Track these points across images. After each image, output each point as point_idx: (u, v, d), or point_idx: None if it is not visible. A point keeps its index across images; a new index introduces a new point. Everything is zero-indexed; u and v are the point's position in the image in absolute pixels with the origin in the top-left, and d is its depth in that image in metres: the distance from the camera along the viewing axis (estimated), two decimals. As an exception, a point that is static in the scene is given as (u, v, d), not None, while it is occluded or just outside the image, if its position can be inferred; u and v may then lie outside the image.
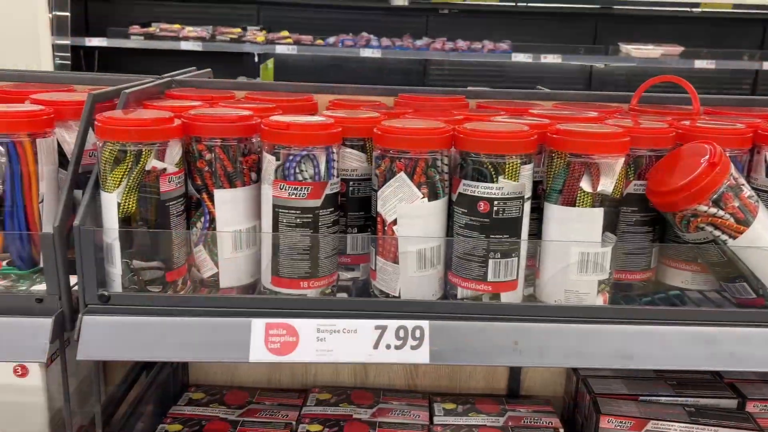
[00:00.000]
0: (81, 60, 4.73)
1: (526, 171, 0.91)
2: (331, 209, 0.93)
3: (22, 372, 1.08)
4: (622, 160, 0.92)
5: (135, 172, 0.89)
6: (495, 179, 0.90)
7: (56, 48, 4.53)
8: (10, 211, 0.94)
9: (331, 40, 4.60)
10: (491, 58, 4.74)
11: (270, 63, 4.76)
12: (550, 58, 4.66)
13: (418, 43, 4.64)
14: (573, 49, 4.73)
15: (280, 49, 4.58)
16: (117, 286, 0.92)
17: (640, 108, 1.20)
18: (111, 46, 4.60)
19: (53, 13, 4.46)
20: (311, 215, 0.92)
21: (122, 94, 1.02)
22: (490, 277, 0.92)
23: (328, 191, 0.92)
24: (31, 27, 4.42)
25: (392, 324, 0.91)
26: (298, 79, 1.42)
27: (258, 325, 0.90)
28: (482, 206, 0.90)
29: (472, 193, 0.91)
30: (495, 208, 0.90)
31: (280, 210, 0.92)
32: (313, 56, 4.78)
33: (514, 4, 4.80)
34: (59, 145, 1.01)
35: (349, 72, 4.89)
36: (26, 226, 0.95)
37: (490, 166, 0.90)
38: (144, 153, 0.89)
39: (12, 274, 0.96)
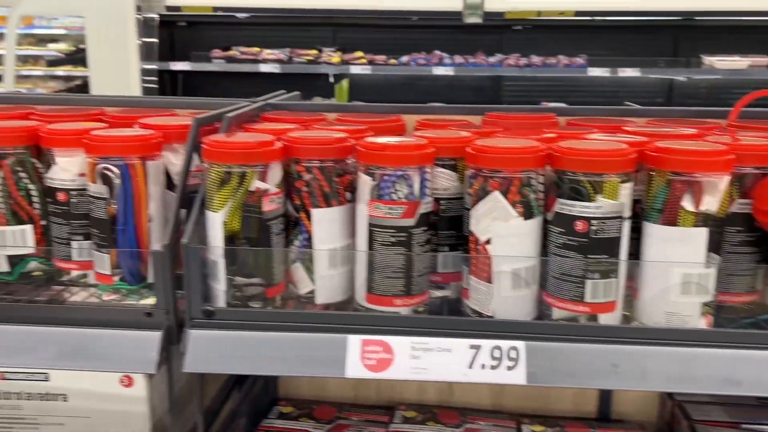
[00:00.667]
0: (166, 83, 4.97)
1: (626, 190, 0.89)
2: (424, 228, 0.95)
3: (128, 382, 1.14)
4: (726, 179, 0.89)
5: (240, 193, 0.93)
6: (593, 198, 0.89)
7: (144, 72, 4.78)
8: (122, 229, 1.00)
9: (404, 59, 4.66)
10: (567, 73, 4.67)
11: (345, 83, 4.85)
12: (629, 72, 4.56)
13: (492, 59, 4.63)
14: (652, 62, 4.61)
15: (354, 69, 4.68)
16: (220, 301, 0.97)
17: (740, 123, 1.16)
18: (194, 69, 4.81)
19: (142, 39, 4.72)
20: (405, 234, 0.93)
21: (225, 119, 1.07)
22: (587, 298, 0.91)
23: (421, 210, 0.94)
24: (122, 53, 4.69)
25: (487, 344, 0.91)
26: (372, 98, 1.44)
27: (354, 341, 0.92)
28: (580, 225, 0.89)
29: (569, 212, 0.90)
30: (593, 228, 0.89)
31: (375, 229, 0.94)
32: (386, 75, 4.84)
33: (590, 18, 4.71)
34: (166, 168, 1.07)
35: (422, 90, 4.92)
36: (136, 243, 1.01)
37: (588, 185, 0.89)
38: (248, 174, 0.93)
39: (122, 288, 1.02)
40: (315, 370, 0.92)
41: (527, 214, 0.92)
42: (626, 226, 0.91)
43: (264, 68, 4.71)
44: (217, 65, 4.76)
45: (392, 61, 4.68)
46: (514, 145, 0.93)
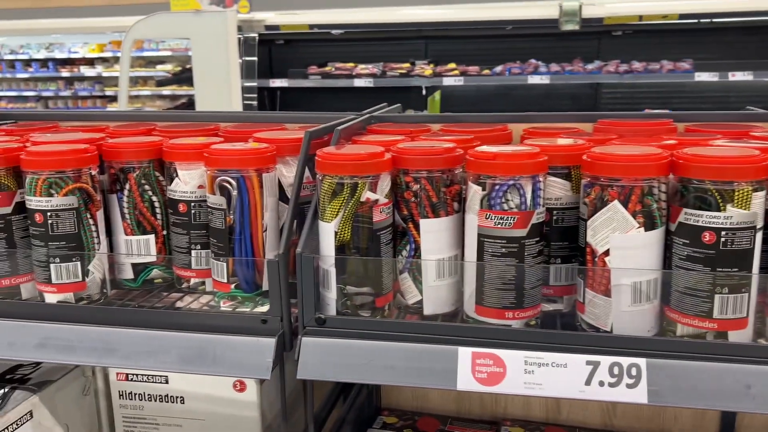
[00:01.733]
0: (265, 100, 5.17)
1: (758, 198, 0.83)
2: (536, 239, 0.92)
3: (241, 387, 1.18)
4: None
5: (351, 204, 0.94)
6: (722, 208, 0.83)
7: (245, 90, 4.98)
8: (239, 238, 1.03)
9: (498, 69, 4.61)
10: (671, 79, 4.46)
11: (437, 95, 4.86)
12: (739, 76, 4.31)
13: (589, 66, 4.50)
14: (765, 65, 4.33)
15: (447, 81, 4.67)
16: (331, 309, 0.98)
17: None
18: (292, 86, 4.97)
19: (243, 58, 4.93)
20: (517, 245, 0.91)
21: (335, 131, 1.09)
22: (716, 314, 0.85)
23: (534, 221, 0.91)
24: (224, 72, 4.91)
25: (605, 360, 0.87)
26: (464, 109, 1.41)
27: (465, 353, 0.91)
28: (707, 237, 0.84)
29: (696, 223, 0.85)
30: (722, 239, 0.84)
31: (486, 239, 0.92)
32: (479, 86, 4.80)
33: (695, 21, 4.49)
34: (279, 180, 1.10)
35: (517, 100, 4.84)
36: (252, 252, 1.04)
37: (716, 194, 0.84)
38: (359, 185, 0.94)
39: (238, 296, 1.06)
40: (426, 381, 0.91)
41: (649, 225, 0.87)
42: (759, 238, 0.85)
43: (358, 83, 4.80)
44: (313, 81, 4.89)
45: (486, 71, 4.64)
46: (635, 153, 0.89)
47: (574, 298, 1.01)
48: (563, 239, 1.00)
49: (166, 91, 6.65)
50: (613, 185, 0.88)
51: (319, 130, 1.10)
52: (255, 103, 5.02)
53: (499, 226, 0.91)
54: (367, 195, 0.94)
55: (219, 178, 1.03)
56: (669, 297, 0.89)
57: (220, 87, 4.99)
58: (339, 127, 1.09)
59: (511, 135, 1.20)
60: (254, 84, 5.05)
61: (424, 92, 4.86)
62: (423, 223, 0.97)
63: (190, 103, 6.03)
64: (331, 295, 0.97)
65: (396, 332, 0.95)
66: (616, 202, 0.87)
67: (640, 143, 0.99)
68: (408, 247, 1.00)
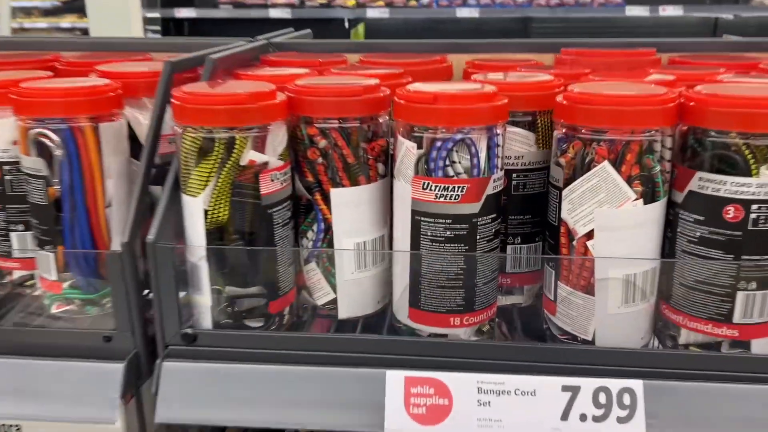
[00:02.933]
0: (171, 32, 4.65)
1: (806, 159, 0.59)
2: (492, 216, 0.66)
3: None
4: None
5: (227, 169, 0.64)
6: (755, 171, 0.59)
7: (146, 21, 4.46)
8: (69, 218, 0.72)
9: (425, 0, 4.28)
10: (602, 13, 4.29)
11: (360, 28, 4.49)
12: (670, 10, 4.16)
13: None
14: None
15: (371, 13, 4.31)
16: (206, 320, 0.69)
17: None
18: (200, 17, 4.49)
19: (142, -15, 4.37)
20: (467, 225, 0.64)
21: (207, 61, 0.77)
22: (736, 318, 0.62)
23: (489, 191, 0.65)
24: (121, 0, 4.35)
25: (588, 384, 0.63)
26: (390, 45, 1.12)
27: (395, 379, 0.65)
28: (731, 212, 0.60)
29: (715, 192, 0.60)
30: (752, 216, 0.59)
31: (423, 218, 0.65)
32: (405, 19, 4.49)
33: (628, -49, 4.28)
34: (131, 130, 0.78)
35: (445, 34, 4.56)
36: (90, 237, 0.73)
37: (746, 152, 0.59)
38: (238, 142, 0.64)
39: (76, 298, 0.75)
40: (341, 422, 0.65)
41: (648, 195, 0.62)
42: (798, 213, 0.61)
43: (274, 13, 4.38)
44: (224, 11, 4.43)
45: (412, 2, 4.30)
46: (630, 93, 0.62)
47: (537, 288, 0.77)
48: (524, 211, 0.74)
49: (65, 23, 5.94)
50: (600, 140, 0.62)
51: (187, 61, 0.78)
52: (159, 35, 4.51)
53: (442, 199, 0.64)
54: (250, 156, 0.65)
55: (33, 131, 0.70)
56: (670, 293, 0.66)
57: (117, 17, 4.43)
58: (214, 56, 0.77)
59: (452, 69, 0.92)
60: (157, 15, 4.54)
61: (346, 25, 4.51)
62: (335, 193, 0.69)
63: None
64: (204, 299, 0.68)
65: (298, 350, 0.67)
66: (605, 163, 0.61)
67: (629, 79, 0.73)
68: (315, 228, 0.72)
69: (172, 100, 0.66)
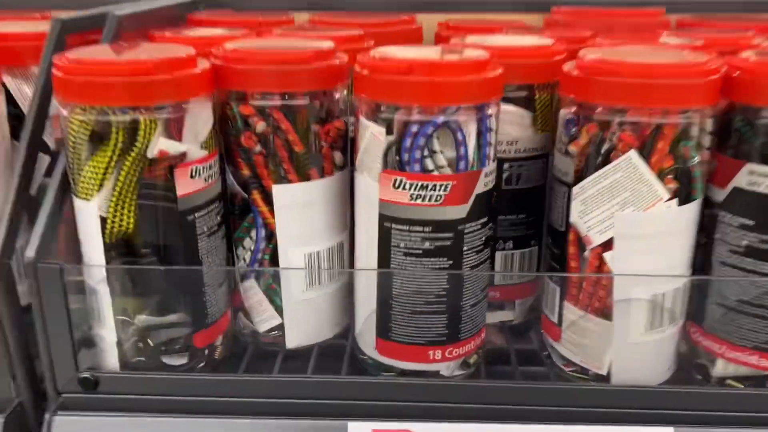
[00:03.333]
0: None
1: None
2: (483, 220, 0.51)
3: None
4: None
5: (128, 163, 0.48)
6: (825, 165, 0.46)
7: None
8: (-75, 228, 0.54)
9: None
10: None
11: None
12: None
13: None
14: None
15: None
16: (111, 360, 0.53)
17: None
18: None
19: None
20: (451, 234, 0.49)
21: (109, 19, 0.59)
22: (791, 347, 0.49)
23: (480, 189, 0.50)
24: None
25: (606, 433, 0.49)
26: None
27: (360, 432, 0.50)
28: (792, 217, 0.47)
29: (771, 192, 0.47)
30: (819, 222, 0.46)
31: (395, 225, 0.50)
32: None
33: None
34: (14, 106, 0.61)
35: None
36: (-44, 252, 0.55)
37: (815, 139, 0.46)
38: (143, 126, 0.47)
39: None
40: (289, 492, 0.50)
41: (683, 193, 0.48)
42: None
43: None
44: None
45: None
46: (660, 61, 0.48)
47: (531, 301, 0.63)
48: (517, 210, 0.60)
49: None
50: (624, 122, 0.47)
51: (85, 19, 0.61)
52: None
53: (419, 201, 0.48)
54: (160, 145, 0.48)
55: None
56: (704, 313, 0.52)
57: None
58: (118, 12, 0.59)
59: (422, 32, 0.76)
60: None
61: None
62: (279, 191, 0.53)
63: None
64: (107, 333, 0.52)
65: (234, 396, 0.52)
66: (632, 153, 0.47)
67: (649, 44, 0.58)
68: (253, 235, 0.56)
69: (53, 70, 0.48)
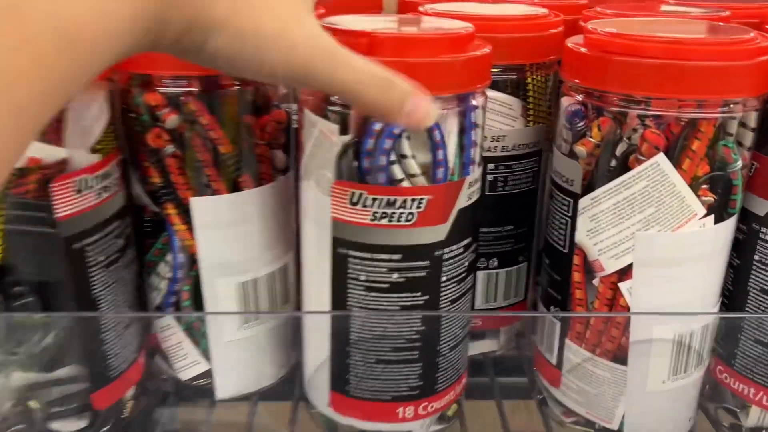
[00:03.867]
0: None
1: None
2: (465, 242, 0.39)
3: None
4: None
5: (-23, 178, 0.35)
6: None
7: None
8: None
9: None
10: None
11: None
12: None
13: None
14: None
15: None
16: (-20, 430, 0.40)
17: None
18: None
19: None
20: (427, 262, 0.38)
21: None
22: None
23: (463, 202, 0.38)
24: None
25: None
26: None
27: None
28: None
29: (834, 207, 0.37)
30: None
31: (353, 253, 0.38)
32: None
33: None
34: None
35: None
36: None
37: None
38: None
39: None
40: None
41: (720, 207, 0.38)
42: None
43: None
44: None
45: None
46: (697, 37, 0.37)
47: (515, 330, 0.52)
48: (503, 221, 0.48)
49: None
50: (646, 116, 0.36)
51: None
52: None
53: (384, 221, 0.37)
54: (31, 151, 0.35)
55: None
56: (735, 351, 0.43)
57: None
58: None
59: (381, -1, 0.64)
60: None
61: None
62: (198, 205, 0.41)
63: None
64: (-28, 399, 0.39)
65: (145, 473, 0.40)
66: (660, 157, 0.36)
67: (651, 14, 0.48)
68: (170, 259, 0.43)
69: None
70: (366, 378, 0.40)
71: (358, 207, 0.37)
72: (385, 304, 0.38)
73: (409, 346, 0.39)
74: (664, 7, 0.53)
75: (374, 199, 0.36)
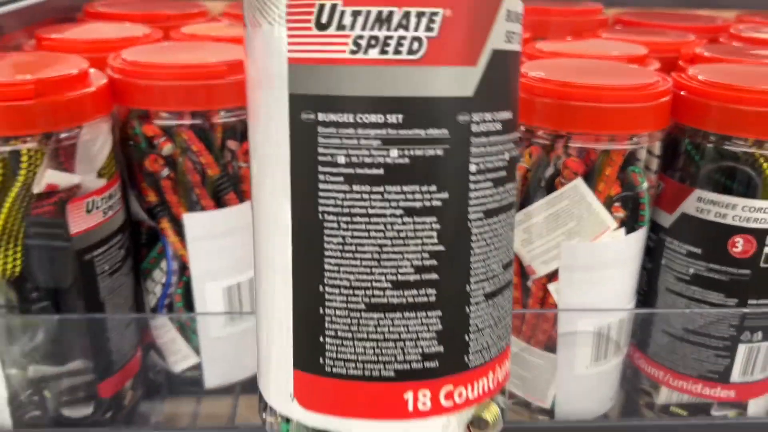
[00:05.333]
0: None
1: (838, 174, 0.44)
2: (505, 117, 0.28)
3: None
4: None
5: (11, 199, 0.41)
6: (774, 193, 0.44)
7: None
8: None
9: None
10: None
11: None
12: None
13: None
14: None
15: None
16: (3, 418, 0.46)
17: None
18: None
19: None
20: (445, 132, 0.26)
21: (-14, 17, 0.51)
22: (735, 376, 0.48)
23: (498, 40, 0.26)
24: None
25: (552, 474, 0.46)
26: None
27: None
28: (741, 244, 0.45)
29: (720, 219, 0.45)
30: (767, 251, 0.44)
31: (320, 118, 0.25)
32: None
33: None
34: None
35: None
36: None
37: (766, 166, 0.43)
38: (26, 158, 0.40)
39: None
40: None
41: (631, 221, 0.46)
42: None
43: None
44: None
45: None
46: (609, 81, 0.44)
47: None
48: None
49: None
50: (569, 146, 0.44)
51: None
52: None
53: (371, 54, 0.25)
54: (47, 178, 0.41)
55: None
56: (648, 341, 0.50)
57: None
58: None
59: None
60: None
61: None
62: (191, 220, 0.47)
63: None
64: (-5, 390, 0.45)
65: (146, 451, 0.47)
66: (578, 182, 0.44)
67: (591, 52, 0.55)
68: (164, 266, 0.50)
69: None
70: (350, 339, 0.26)
71: (331, 32, 0.24)
72: (377, 205, 0.25)
73: (420, 280, 0.26)
74: (603, 37, 0.60)
75: (356, 14, 0.24)
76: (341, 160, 0.25)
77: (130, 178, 0.48)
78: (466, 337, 0.28)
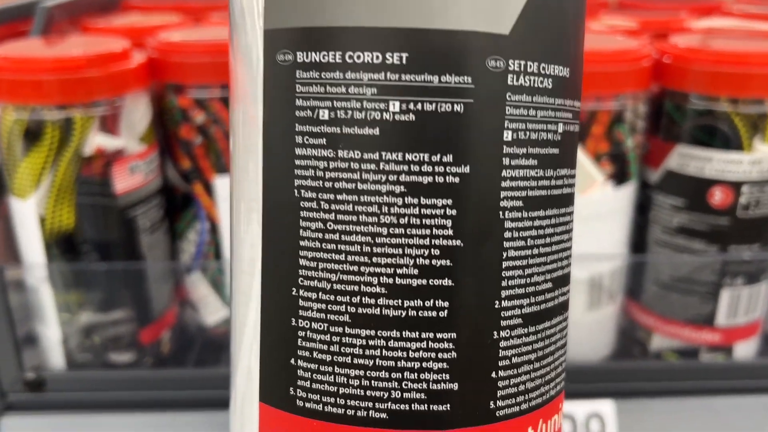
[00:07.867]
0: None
1: (809, 128, 0.48)
2: (557, 73, 0.20)
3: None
4: None
5: (65, 161, 0.47)
6: (747, 146, 0.48)
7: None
8: None
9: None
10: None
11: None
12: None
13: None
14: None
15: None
16: (57, 359, 0.52)
17: None
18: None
19: None
20: (468, 79, 0.18)
21: (39, 10, 0.57)
22: (720, 319, 0.52)
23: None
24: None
25: (549, 410, 0.51)
26: None
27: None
28: (718, 195, 0.49)
29: (699, 173, 0.49)
30: (742, 201, 0.48)
31: (299, 58, 0.19)
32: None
33: None
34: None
35: None
36: None
37: (738, 122, 0.47)
38: (77, 124, 0.46)
39: None
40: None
41: (619, 175, 0.50)
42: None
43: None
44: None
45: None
46: (594, 47, 0.49)
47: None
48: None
49: None
50: (560, 108, 0.48)
51: (11, 9, 0.58)
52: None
53: None
54: (96, 142, 0.47)
55: None
56: (640, 291, 0.55)
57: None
58: (47, 5, 0.57)
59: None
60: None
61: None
62: (221, 183, 0.53)
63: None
64: (51, 332, 0.51)
65: (183, 389, 0.52)
66: (568, 139, 0.48)
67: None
68: (198, 227, 0.55)
69: (-22, 66, 0.46)
70: (330, 364, 0.20)
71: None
72: (370, 178, 0.18)
73: (428, 286, 0.19)
74: (605, 22, 0.65)
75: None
76: (324, 115, 0.18)
77: (167, 147, 0.54)
78: (494, 374, 0.19)
